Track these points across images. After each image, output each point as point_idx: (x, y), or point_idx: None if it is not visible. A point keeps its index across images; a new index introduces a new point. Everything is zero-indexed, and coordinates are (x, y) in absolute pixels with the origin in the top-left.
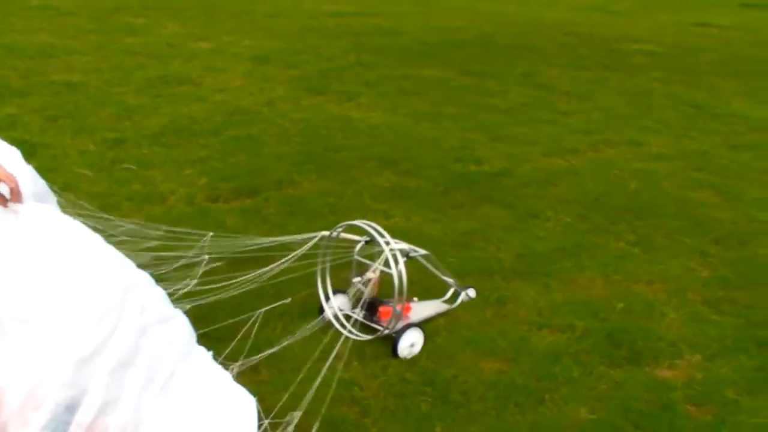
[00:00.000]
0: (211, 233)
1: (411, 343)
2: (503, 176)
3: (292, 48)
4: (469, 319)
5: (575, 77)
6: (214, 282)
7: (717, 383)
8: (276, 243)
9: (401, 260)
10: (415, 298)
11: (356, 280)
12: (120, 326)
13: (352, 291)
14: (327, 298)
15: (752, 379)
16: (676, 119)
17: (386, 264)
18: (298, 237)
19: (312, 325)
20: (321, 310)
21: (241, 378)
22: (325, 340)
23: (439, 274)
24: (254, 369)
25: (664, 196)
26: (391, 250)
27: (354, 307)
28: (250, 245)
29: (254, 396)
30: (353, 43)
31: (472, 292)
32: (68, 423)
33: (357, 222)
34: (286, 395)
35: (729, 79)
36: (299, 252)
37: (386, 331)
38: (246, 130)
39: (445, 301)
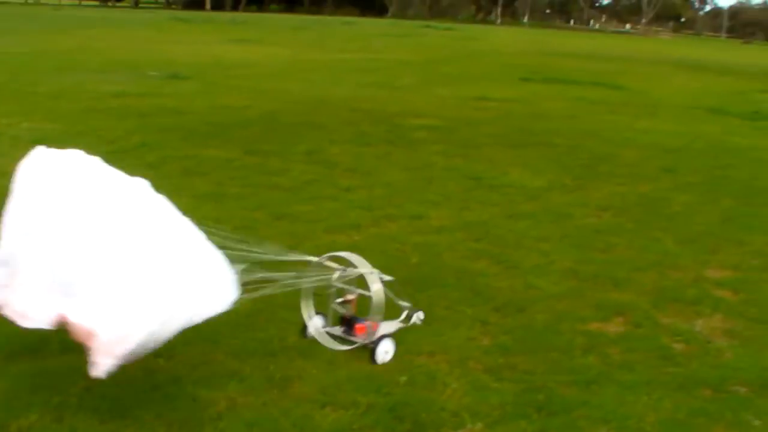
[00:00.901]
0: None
1: (386, 351)
2: None
3: (73, 130)
4: (252, 402)
5: (358, 153)
6: None
7: None
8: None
9: (380, 284)
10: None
11: (338, 301)
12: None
13: (331, 312)
14: (310, 318)
15: None
16: (456, 191)
17: (364, 287)
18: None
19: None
20: (304, 329)
21: None
22: None
23: (395, 298)
24: None
25: (444, 267)
26: (371, 273)
27: (333, 324)
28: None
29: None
30: (137, 124)
31: (421, 315)
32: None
33: (341, 253)
34: None
35: (507, 151)
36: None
37: (365, 342)
38: None
39: (401, 321)
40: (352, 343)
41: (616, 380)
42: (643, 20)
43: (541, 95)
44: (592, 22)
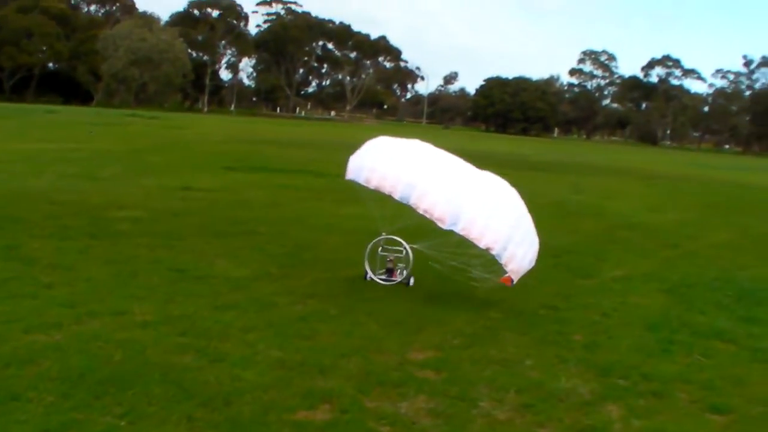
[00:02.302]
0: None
1: (412, 283)
2: None
3: None
4: None
5: (60, 248)
6: None
7: None
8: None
9: (411, 251)
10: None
11: (389, 259)
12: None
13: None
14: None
15: None
16: (161, 284)
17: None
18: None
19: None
20: (366, 275)
21: None
22: None
23: (409, 264)
24: None
25: (149, 364)
26: (408, 247)
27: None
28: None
29: None
30: None
31: (412, 280)
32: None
33: (392, 237)
34: None
35: (212, 241)
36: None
37: (400, 280)
38: None
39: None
40: (391, 282)
41: None
42: (348, 107)
43: (246, 183)
44: (298, 109)
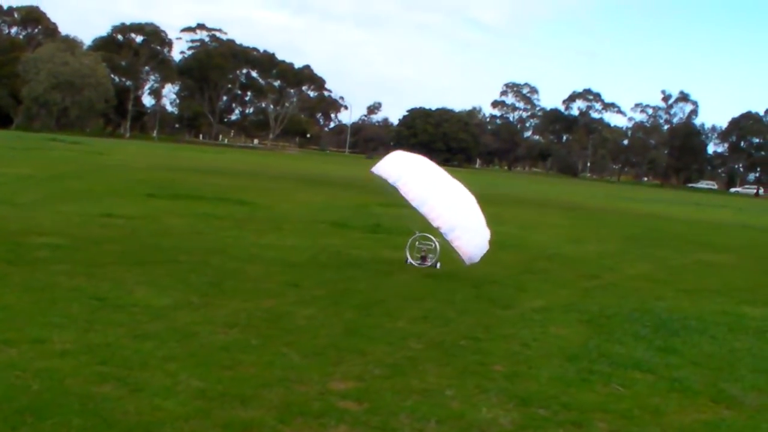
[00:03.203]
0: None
1: (439, 266)
2: None
3: None
4: None
5: None
6: None
7: None
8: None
9: (438, 244)
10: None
11: (425, 247)
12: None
13: (416, 255)
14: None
15: None
16: (81, 313)
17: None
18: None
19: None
20: (406, 260)
21: None
22: None
23: (437, 253)
24: None
25: (68, 393)
26: (437, 242)
27: (416, 259)
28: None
29: None
30: None
31: (438, 265)
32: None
33: (424, 234)
34: None
35: (133, 269)
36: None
37: (429, 264)
38: None
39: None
40: (424, 265)
41: None
42: (271, 135)
43: (167, 211)
44: (221, 137)
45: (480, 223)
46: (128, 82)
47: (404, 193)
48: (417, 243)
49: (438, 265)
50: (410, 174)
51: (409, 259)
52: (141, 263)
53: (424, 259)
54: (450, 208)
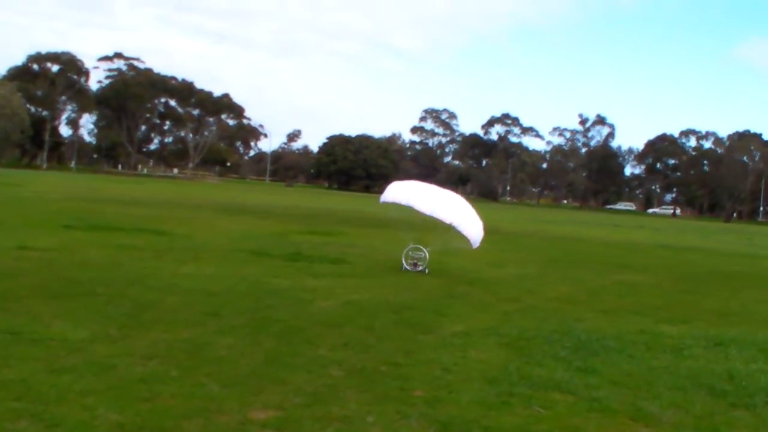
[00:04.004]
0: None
1: (427, 270)
2: None
3: None
4: None
5: None
6: None
7: None
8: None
9: (427, 253)
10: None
11: (416, 256)
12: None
13: (409, 261)
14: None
15: None
16: None
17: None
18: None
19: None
20: (401, 266)
21: None
22: None
23: (426, 260)
24: None
25: None
26: (427, 251)
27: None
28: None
29: None
30: None
31: (427, 270)
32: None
33: (417, 245)
34: None
35: (49, 302)
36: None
37: (421, 270)
38: None
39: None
40: (416, 270)
41: None
42: (190, 165)
43: (84, 243)
44: (140, 167)
45: (475, 217)
46: (45, 112)
47: (418, 208)
48: (410, 252)
49: (426, 270)
50: (415, 194)
51: (404, 266)
52: (57, 296)
53: (415, 265)
54: (452, 209)
